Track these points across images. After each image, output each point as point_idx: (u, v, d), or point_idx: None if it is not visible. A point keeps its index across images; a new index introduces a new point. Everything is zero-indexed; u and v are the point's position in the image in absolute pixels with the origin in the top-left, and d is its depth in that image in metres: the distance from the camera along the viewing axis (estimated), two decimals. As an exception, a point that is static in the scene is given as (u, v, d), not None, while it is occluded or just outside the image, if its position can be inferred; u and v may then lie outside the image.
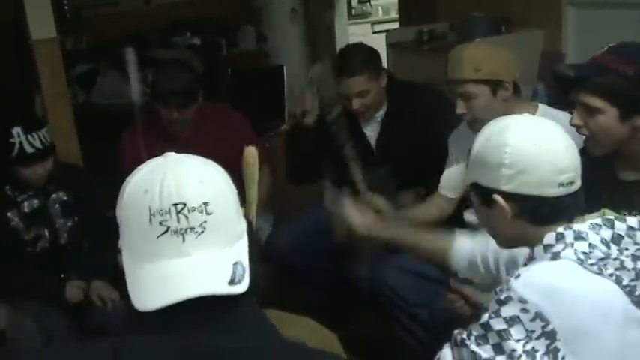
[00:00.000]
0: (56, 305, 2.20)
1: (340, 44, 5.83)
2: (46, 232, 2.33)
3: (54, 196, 2.34)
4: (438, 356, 1.23)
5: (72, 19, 5.20)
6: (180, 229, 0.89)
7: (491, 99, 1.96)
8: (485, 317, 1.15)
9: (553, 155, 1.21)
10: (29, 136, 2.17)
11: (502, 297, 1.14)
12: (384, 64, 4.26)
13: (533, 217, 1.24)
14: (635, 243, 1.21)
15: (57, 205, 2.34)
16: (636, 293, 1.17)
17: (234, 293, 0.89)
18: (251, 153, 1.33)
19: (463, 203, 2.21)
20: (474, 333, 1.17)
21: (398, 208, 2.32)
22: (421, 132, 2.40)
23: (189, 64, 2.68)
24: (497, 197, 1.24)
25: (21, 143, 2.16)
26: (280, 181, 2.84)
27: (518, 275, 1.15)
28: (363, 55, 2.41)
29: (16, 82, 4.73)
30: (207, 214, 0.90)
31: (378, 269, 2.27)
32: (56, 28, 3.37)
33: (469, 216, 2.17)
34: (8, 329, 2.04)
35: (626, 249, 1.19)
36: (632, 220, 1.24)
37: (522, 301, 1.11)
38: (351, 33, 5.94)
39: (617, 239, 1.19)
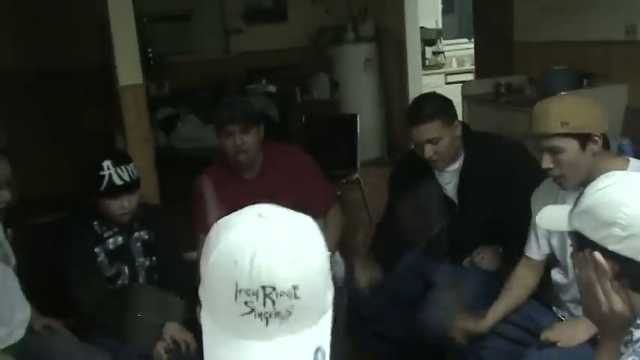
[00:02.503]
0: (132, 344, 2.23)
1: (413, 94, 5.85)
2: (126, 270, 2.38)
3: (136, 234, 2.40)
4: None
5: (156, 67, 5.44)
6: (266, 312, 0.84)
7: (580, 153, 1.89)
8: None
9: None
10: (118, 169, 2.25)
11: None
12: (459, 115, 4.27)
13: (635, 282, 1.18)
14: None
15: (138, 244, 2.41)
16: None
17: None
18: None
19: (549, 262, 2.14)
20: None
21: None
22: (500, 185, 2.34)
23: (247, 100, 2.76)
24: (597, 255, 1.17)
25: (110, 175, 2.24)
26: (350, 226, 2.84)
27: None
28: (434, 102, 2.40)
29: (98, 125, 4.97)
30: (296, 297, 0.85)
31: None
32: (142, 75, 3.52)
33: (556, 275, 2.10)
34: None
35: None
36: None
37: None
38: (424, 83, 5.96)
39: None
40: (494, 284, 2.29)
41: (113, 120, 4.18)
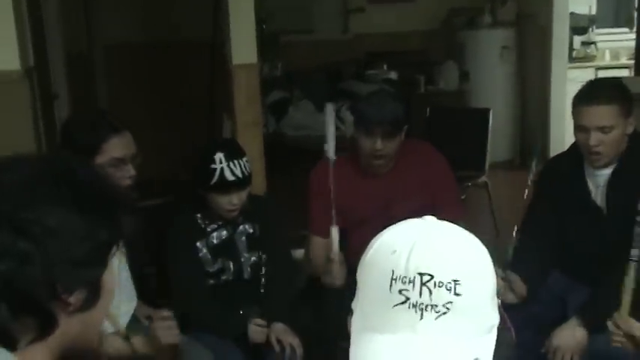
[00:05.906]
0: (234, 342, 2.28)
1: (556, 89, 5.60)
2: (231, 265, 2.41)
3: (241, 228, 2.42)
4: None
5: (269, 45, 5.48)
6: (421, 303, 0.83)
7: None
8: None
9: None
10: (231, 163, 2.27)
11: None
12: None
13: None
14: None
15: (243, 238, 2.43)
16: None
17: None
18: None
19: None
20: None
21: None
22: None
23: (399, 95, 2.65)
24: None
25: (222, 169, 2.26)
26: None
27: None
28: (616, 85, 2.30)
29: (204, 104, 5.05)
30: (456, 294, 0.83)
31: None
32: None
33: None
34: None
35: None
36: None
37: None
38: (570, 78, 5.68)
39: None
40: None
41: (221, 101, 4.26)
